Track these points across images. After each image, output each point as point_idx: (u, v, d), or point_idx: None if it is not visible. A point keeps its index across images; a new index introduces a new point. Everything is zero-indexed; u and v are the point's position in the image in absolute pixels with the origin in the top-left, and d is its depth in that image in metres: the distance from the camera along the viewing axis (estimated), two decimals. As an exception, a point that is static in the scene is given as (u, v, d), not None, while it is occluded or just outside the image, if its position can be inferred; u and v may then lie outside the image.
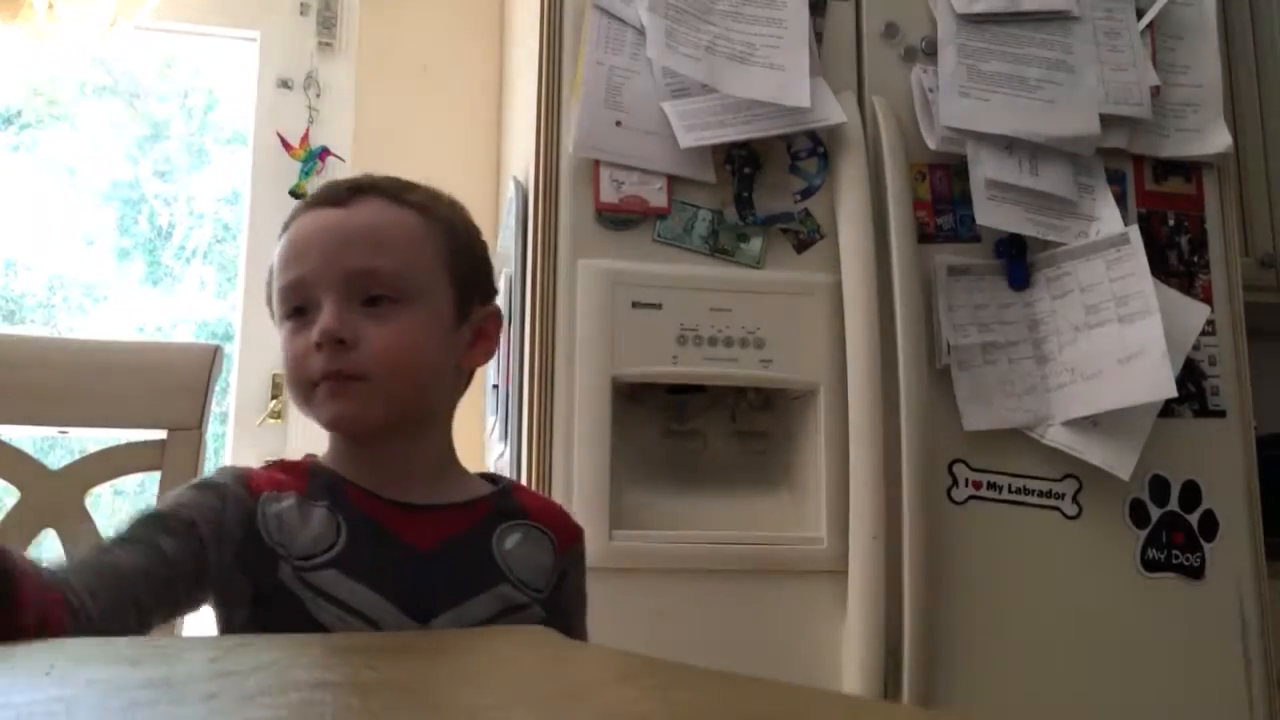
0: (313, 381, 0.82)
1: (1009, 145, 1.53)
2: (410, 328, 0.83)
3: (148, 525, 0.77)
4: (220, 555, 0.79)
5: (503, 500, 0.89)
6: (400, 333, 0.82)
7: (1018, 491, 1.49)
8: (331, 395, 0.82)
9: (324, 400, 0.82)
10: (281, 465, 0.88)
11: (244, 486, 0.82)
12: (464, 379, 0.92)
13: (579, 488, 1.34)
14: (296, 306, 0.85)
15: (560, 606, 0.87)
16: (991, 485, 1.49)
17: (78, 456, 1.03)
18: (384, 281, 0.83)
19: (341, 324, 0.81)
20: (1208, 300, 1.59)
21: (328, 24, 2.12)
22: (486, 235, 0.98)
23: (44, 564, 0.68)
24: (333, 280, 0.82)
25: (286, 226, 0.89)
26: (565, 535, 0.90)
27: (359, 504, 0.83)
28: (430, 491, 0.86)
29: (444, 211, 0.90)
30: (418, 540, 0.83)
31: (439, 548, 0.83)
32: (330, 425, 0.85)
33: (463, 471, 0.91)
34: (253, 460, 2.07)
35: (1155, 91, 1.60)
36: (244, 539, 0.80)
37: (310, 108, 2.09)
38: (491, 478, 0.93)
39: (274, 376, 2.02)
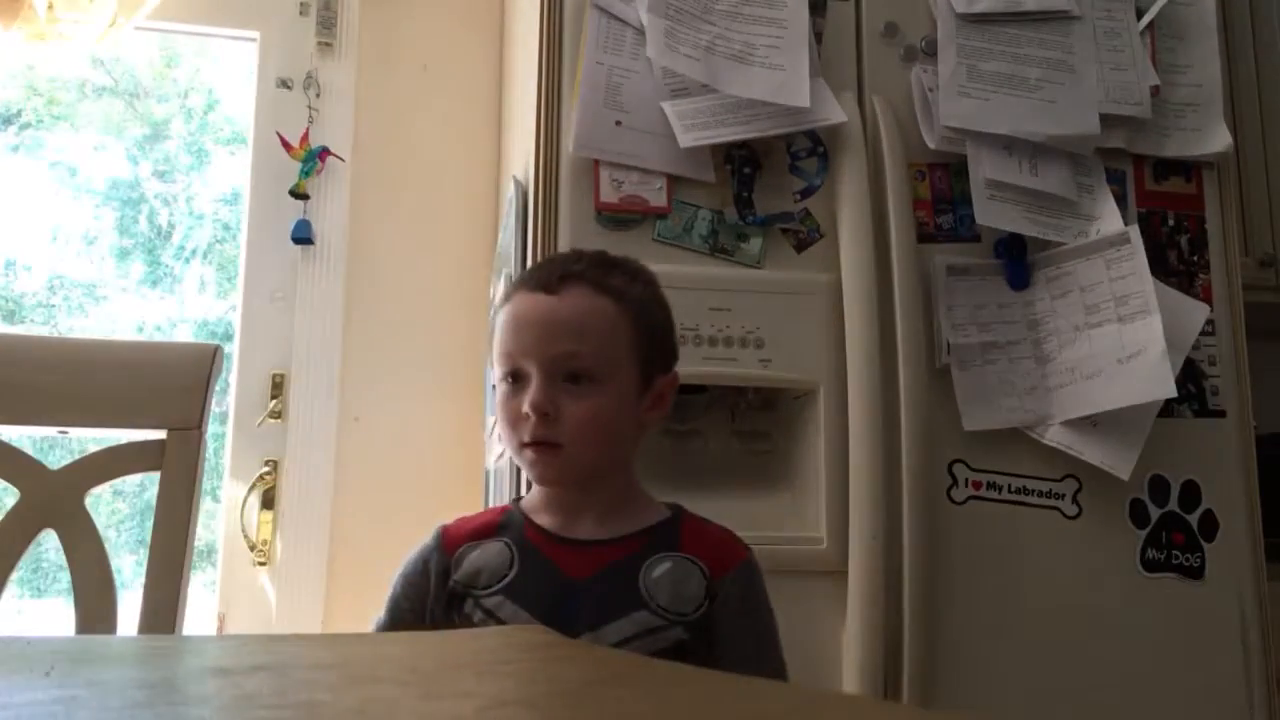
0: (523, 443, 1.01)
1: (1009, 145, 1.53)
2: (601, 404, 1.00)
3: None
4: (434, 615, 1.02)
5: (663, 531, 1.04)
6: (593, 408, 1.00)
7: (1018, 491, 1.49)
8: (537, 459, 1.01)
9: (531, 462, 1.02)
10: (486, 512, 1.09)
11: (441, 549, 1.05)
12: (642, 432, 1.09)
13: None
14: (511, 373, 1.02)
15: (711, 628, 0.98)
16: (991, 485, 1.49)
17: (78, 456, 1.03)
18: (582, 364, 1.00)
19: (547, 399, 0.99)
20: (1207, 300, 1.59)
21: (328, 24, 2.12)
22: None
23: None
24: (541, 360, 1.00)
25: (507, 298, 1.07)
26: (719, 563, 1.03)
27: (533, 540, 1.03)
28: (600, 527, 1.03)
29: (637, 293, 1.06)
30: (576, 571, 1.00)
31: (592, 577, 0.99)
32: (538, 482, 1.04)
33: (644, 504, 1.07)
34: (253, 460, 2.06)
35: (1155, 91, 1.60)
36: (442, 590, 1.02)
37: (310, 108, 2.09)
38: (671, 506, 1.08)
39: (273, 376, 2.02)
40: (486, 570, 1.01)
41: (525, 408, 0.99)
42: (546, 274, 1.05)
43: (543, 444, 0.99)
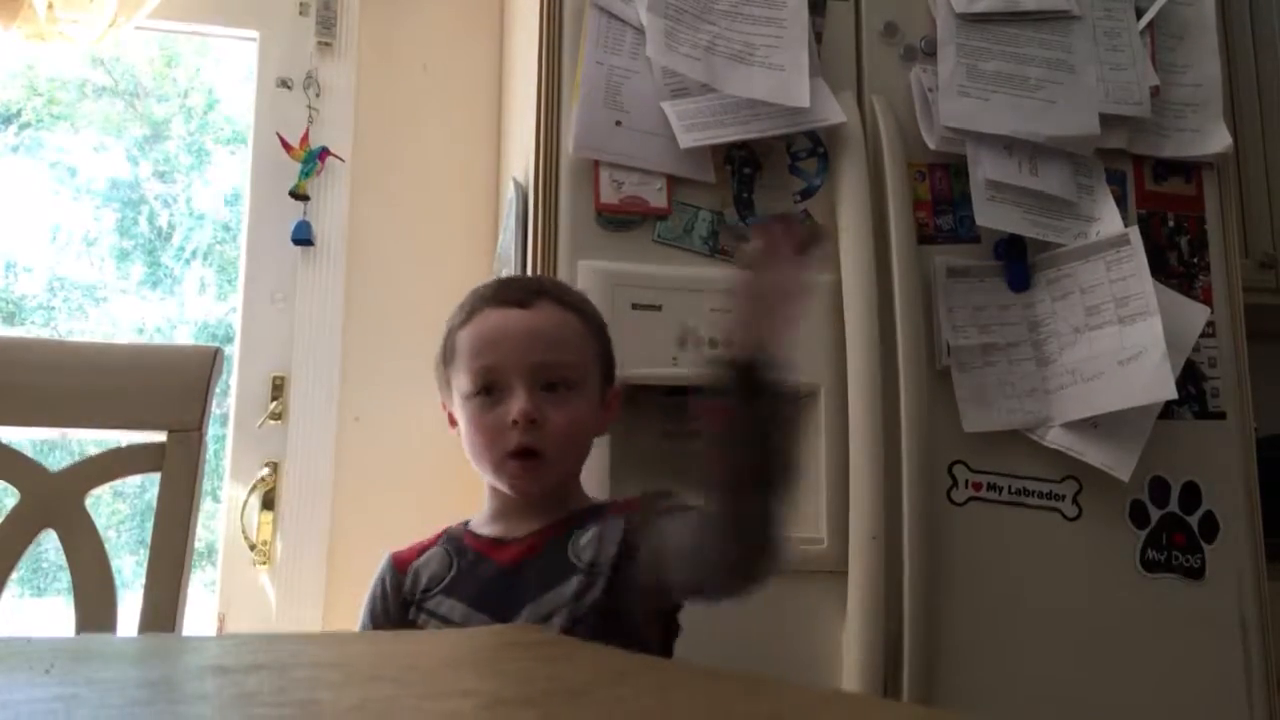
0: (507, 454, 1.03)
1: (1009, 145, 1.53)
2: (579, 409, 1.05)
3: None
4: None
5: (592, 510, 1.08)
6: (573, 415, 1.04)
7: (1018, 493, 1.49)
8: (522, 473, 1.04)
9: (515, 476, 1.04)
10: (418, 544, 1.12)
11: (394, 570, 1.09)
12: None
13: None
14: (487, 386, 1.05)
15: (640, 545, 1.02)
16: (991, 486, 1.49)
17: (78, 458, 1.03)
18: (561, 373, 1.04)
19: (534, 406, 1.02)
20: (1208, 301, 1.59)
21: (328, 24, 2.12)
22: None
23: None
24: (523, 370, 1.03)
25: (471, 314, 1.09)
26: (632, 505, 1.07)
27: (470, 544, 1.08)
28: (536, 520, 1.07)
29: (592, 310, 1.13)
30: (510, 559, 1.04)
31: (524, 561, 1.04)
32: (519, 495, 1.06)
33: (578, 496, 1.11)
34: (253, 461, 2.06)
35: (1155, 91, 1.60)
36: (398, 605, 1.07)
37: (310, 108, 2.09)
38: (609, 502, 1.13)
39: (273, 378, 2.02)
40: (429, 577, 1.07)
41: (513, 415, 1.02)
42: (515, 291, 1.11)
43: (526, 455, 1.03)
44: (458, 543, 1.09)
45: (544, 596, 1.01)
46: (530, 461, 1.03)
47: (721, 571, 0.94)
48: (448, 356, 1.11)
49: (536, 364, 1.04)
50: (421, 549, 1.11)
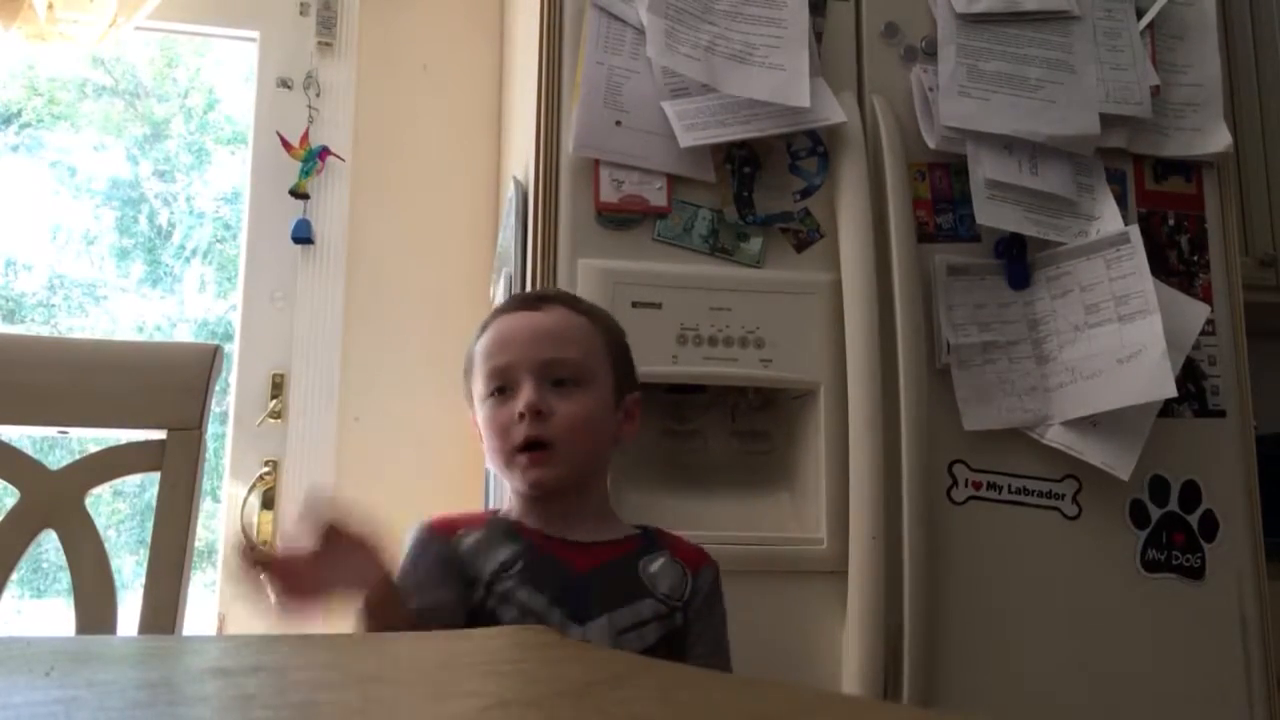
0: (515, 448, 1.06)
1: (1009, 145, 1.53)
2: (586, 404, 1.08)
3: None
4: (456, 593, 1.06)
5: (645, 538, 1.12)
6: (581, 407, 1.07)
7: (1018, 492, 1.49)
8: (531, 464, 1.06)
9: (525, 468, 1.06)
10: (460, 515, 1.13)
11: (436, 537, 1.09)
12: (615, 448, 1.15)
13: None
14: (499, 386, 1.09)
15: (695, 613, 1.08)
16: (991, 485, 1.49)
17: (78, 456, 1.03)
18: (568, 368, 1.08)
19: (540, 399, 1.05)
20: (1207, 300, 1.59)
21: (328, 24, 2.12)
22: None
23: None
24: (531, 366, 1.07)
25: (486, 326, 1.14)
26: (697, 562, 1.12)
27: (533, 540, 1.08)
28: (591, 533, 1.09)
29: (605, 316, 1.17)
30: (579, 564, 1.06)
31: (596, 570, 1.06)
32: (530, 487, 1.07)
33: (619, 521, 1.15)
34: (253, 460, 2.06)
35: (1155, 91, 1.60)
36: (456, 576, 1.05)
37: (310, 107, 2.09)
38: (641, 527, 1.16)
39: (273, 376, 2.02)
40: (493, 560, 1.05)
41: (520, 408, 1.05)
42: (525, 298, 1.16)
43: (535, 447, 1.05)
44: (516, 535, 1.08)
45: (621, 609, 1.04)
46: (539, 452, 1.05)
47: None
48: (468, 369, 1.15)
49: (543, 360, 1.07)
50: (467, 522, 1.11)
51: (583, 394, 1.08)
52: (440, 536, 1.08)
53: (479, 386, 1.11)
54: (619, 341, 1.16)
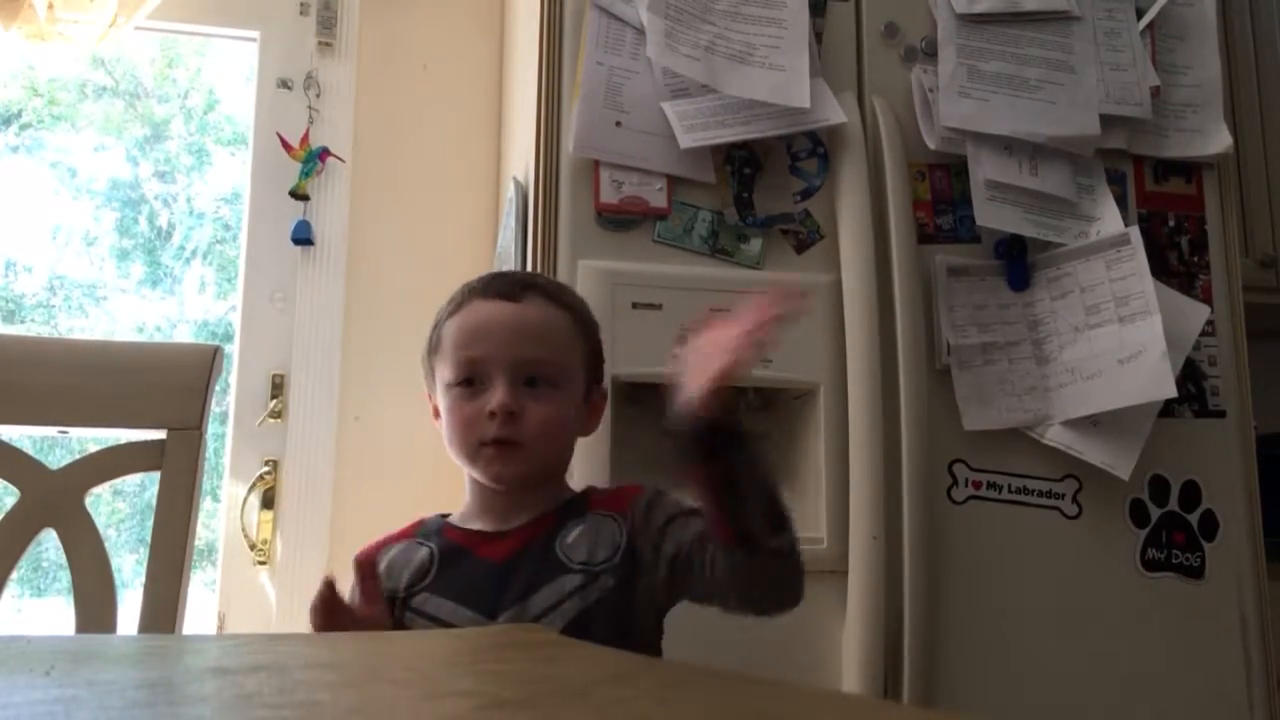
0: (481, 442, 1.03)
1: (1009, 145, 1.53)
2: (558, 407, 1.05)
3: None
4: None
5: (572, 504, 1.08)
6: (553, 411, 1.04)
7: (1018, 491, 1.49)
8: (497, 458, 1.03)
9: (490, 461, 1.03)
10: (385, 537, 1.11)
11: (359, 568, 1.05)
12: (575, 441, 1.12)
13: (579, 488, 1.34)
14: (468, 378, 1.05)
15: (646, 552, 1.02)
16: (991, 485, 1.49)
17: (78, 456, 1.03)
18: (544, 370, 1.05)
19: (513, 400, 1.02)
20: (1208, 301, 1.59)
21: (328, 24, 2.12)
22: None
23: None
24: (506, 364, 1.04)
25: (459, 307, 1.09)
26: (622, 501, 1.07)
27: (452, 537, 1.07)
28: (527, 519, 1.06)
29: (584, 310, 1.13)
30: (495, 555, 1.03)
31: (511, 558, 1.03)
32: (493, 480, 1.05)
33: (560, 496, 1.10)
34: (253, 460, 2.06)
35: (1155, 91, 1.60)
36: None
37: (310, 108, 2.09)
38: (584, 489, 1.12)
39: (273, 376, 2.02)
40: (409, 572, 1.05)
41: (491, 407, 1.02)
42: (505, 284, 1.10)
43: (506, 442, 1.03)
44: (437, 536, 1.08)
45: (534, 595, 1.00)
46: (508, 449, 1.03)
47: (770, 605, 1.00)
48: (434, 346, 1.11)
49: (520, 359, 1.04)
50: (389, 539, 1.10)
51: (556, 395, 1.05)
52: (363, 568, 1.05)
53: (445, 371, 1.07)
54: (594, 335, 1.13)
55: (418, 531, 1.10)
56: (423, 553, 1.06)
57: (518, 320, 1.06)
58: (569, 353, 1.08)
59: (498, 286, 1.10)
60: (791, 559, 0.96)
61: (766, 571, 0.96)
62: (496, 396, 1.02)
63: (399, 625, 1.03)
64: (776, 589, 0.98)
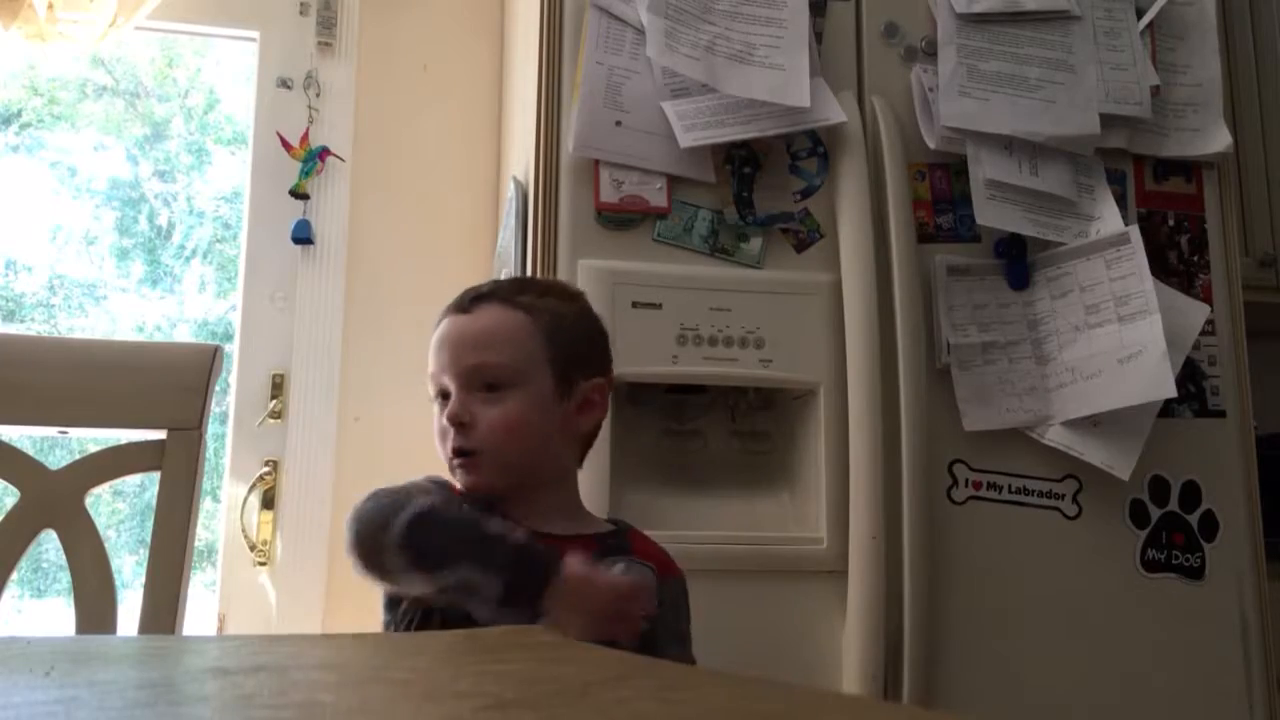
0: (449, 455, 1.07)
1: (1009, 145, 1.53)
2: (514, 408, 1.05)
3: None
4: None
5: (613, 538, 1.10)
6: (504, 413, 1.05)
7: (1018, 491, 1.49)
8: (460, 469, 1.06)
9: (457, 473, 1.07)
10: None
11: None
12: (579, 441, 1.13)
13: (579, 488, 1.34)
14: (438, 393, 1.10)
15: (655, 623, 1.01)
16: (991, 485, 1.49)
17: (78, 456, 1.03)
18: (493, 373, 1.06)
19: (462, 409, 1.05)
20: (1208, 300, 1.59)
21: (328, 24, 2.12)
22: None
23: None
24: (456, 374, 1.07)
25: (436, 326, 1.12)
26: (665, 568, 1.10)
27: None
28: (560, 528, 1.07)
29: (548, 306, 1.11)
30: None
31: None
32: (466, 490, 1.07)
33: (589, 517, 1.14)
34: (253, 460, 2.06)
35: (1155, 91, 1.60)
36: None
37: (310, 108, 2.09)
38: (614, 521, 1.15)
39: (273, 376, 2.02)
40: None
41: (442, 419, 1.07)
42: (462, 298, 1.13)
43: (461, 453, 1.06)
44: None
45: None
46: (468, 461, 1.06)
47: None
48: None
49: (468, 367, 1.07)
50: None
51: (512, 397, 1.06)
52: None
53: (429, 388, 1.12)
54: (566, 330, 1.11)
55: None
56: None
57: (465, 330, 1.09)
58: (520, 351, 1.07)
59: (457, 301, 1.13)
60: None
61: None
62: (448, 408, 1.06)
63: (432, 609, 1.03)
64: None
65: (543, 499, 1.08)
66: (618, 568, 1.03)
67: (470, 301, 1.11)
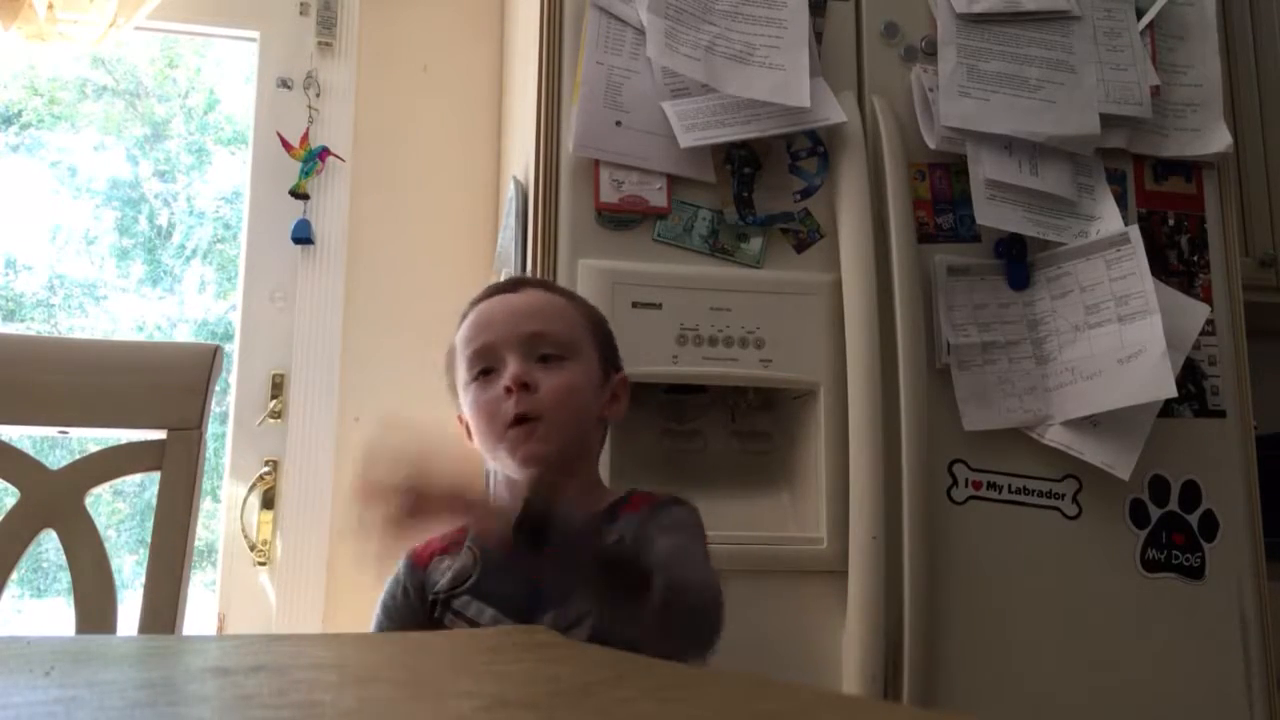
0: (505, 425, 1.03)
1: (1009, 145, 1.53)
2: (573, 376, 1.07)
3: None
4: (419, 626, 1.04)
5: (611, 507, 1.07)
6: (567, 378, 1.06)
7: (1018, 491, 1.49)
8: (521, 439, 1.03)
9: (515, 443, 1.03)
10: (440, 534, 1.07)
11: (412, 569, 1.07)
12: (603, 431, 1.15)
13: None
14: (484, 369, 1.07)
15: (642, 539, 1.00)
16: (991, 485, 1.49)
17: (78, 456, 1.03)
18: (552, 342, 1.07)
19: (525, 371, 1.04)
20: (1208, 300, 1.59)
21: (328, 24, 2.12)
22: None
23: None
24: (515, 342, 1.06)
25: (466, 313, 1.13)
26: (642, 504, 1.06)
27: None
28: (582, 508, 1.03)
29: (582, 301, 1.17)
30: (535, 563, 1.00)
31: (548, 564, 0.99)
32: (522, 463, 1.04)
33: (603, 493, 1.11)
34: (253, 460, 2.06)
35: (1155, 91, 1.60)
36: (423, 605, 1.05)
37: (310, 108, 2.09)
38: (628, 490, 1.11)
39: (273, 376, 2.02)
40: (454, 575, 1.05)
41: (506, 382, 1.03)
42: (500, 284, 1.16)
43: (525, 418, 1.03)
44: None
45: (572, 600, 0.99)
46: (529, 427, 1.03)
47: (679, 654, 0.91)
48: (450, 360, 1.13)
49: (526, 335, 1.06)
50: (445, 542, 1.08)
51: (569, 366, 1.07)
52: (412, 568, 1.07)
53: (462, 374, 1.10)
54: (600, 321, 1.16)
55: (466, 536, 1.08)
56: (466, 556, 1.06)
57: (519, 304, 1.10)
58: (575, 326, 1.10)
59: (495, 288, 1.15)
60: (670, 612, 0.90)
61: (655, 633, 0.91)
62: (510, 371, 1.04)
63: (438, 626, 1.03)
64: (674, 642, 0.92)
65: (569, 483, 1.06)
66: (610, 538, 1.02)
67: (515, 285, 1.14)
